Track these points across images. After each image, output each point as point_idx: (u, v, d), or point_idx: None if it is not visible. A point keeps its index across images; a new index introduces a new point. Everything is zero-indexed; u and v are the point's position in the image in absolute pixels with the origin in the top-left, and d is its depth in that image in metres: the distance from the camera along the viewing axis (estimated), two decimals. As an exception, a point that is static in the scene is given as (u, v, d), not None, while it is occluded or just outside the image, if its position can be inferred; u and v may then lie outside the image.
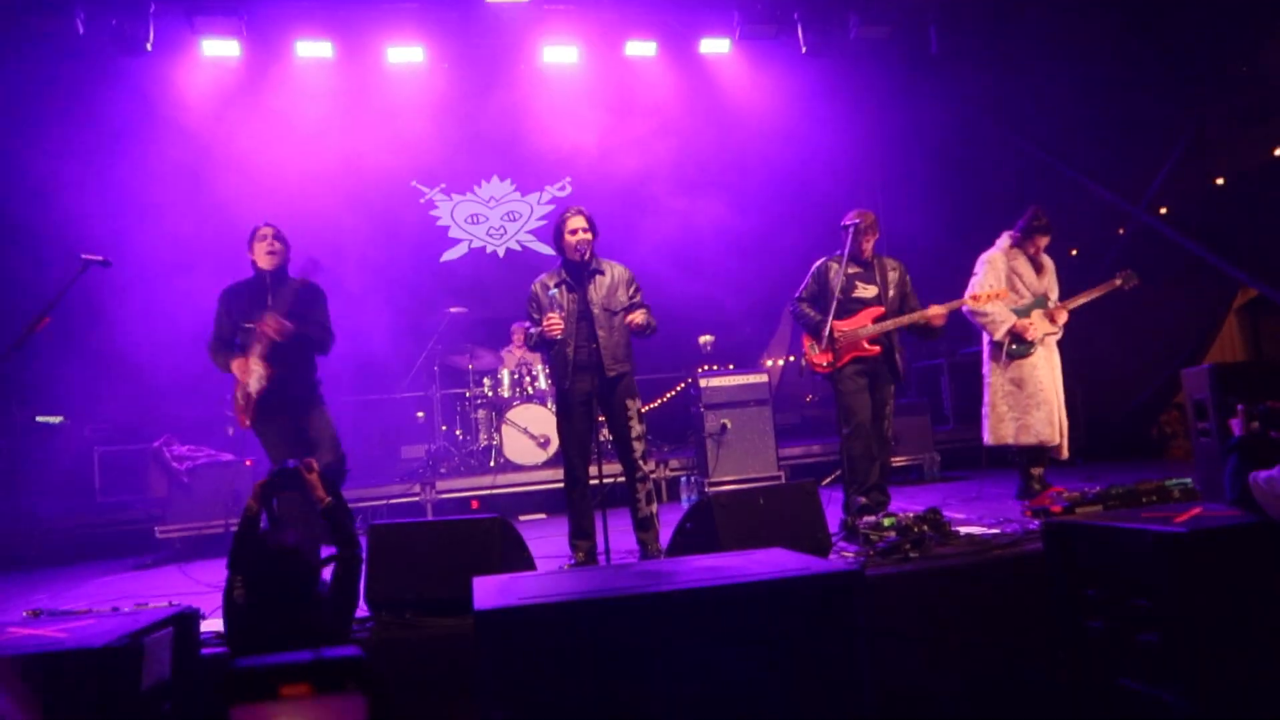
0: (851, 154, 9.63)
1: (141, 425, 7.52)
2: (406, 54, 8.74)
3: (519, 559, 3.80)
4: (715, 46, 8.98)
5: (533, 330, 4.59)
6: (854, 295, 5.09)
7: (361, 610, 3.89)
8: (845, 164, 9.62)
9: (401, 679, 3.48)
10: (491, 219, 9.76)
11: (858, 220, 5.10)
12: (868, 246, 5.14)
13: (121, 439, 7.63)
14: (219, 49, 8.31)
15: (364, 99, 9.02)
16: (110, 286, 6.72)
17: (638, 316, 4.47)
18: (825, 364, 5.03)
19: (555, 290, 4.52)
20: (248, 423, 4.58)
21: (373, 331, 8.32)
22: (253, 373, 4.49)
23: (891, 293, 5.12)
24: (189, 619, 3.27)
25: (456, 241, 9.69)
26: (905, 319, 5.05)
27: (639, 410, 4.58)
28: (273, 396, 4.48)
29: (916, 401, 7.81)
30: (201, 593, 4.69)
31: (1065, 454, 5.36)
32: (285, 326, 4.40)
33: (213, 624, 3.70)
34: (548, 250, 9.51)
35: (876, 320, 5.04)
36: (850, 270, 5.12)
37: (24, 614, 4.05)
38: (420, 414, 8.85)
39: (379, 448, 8.50)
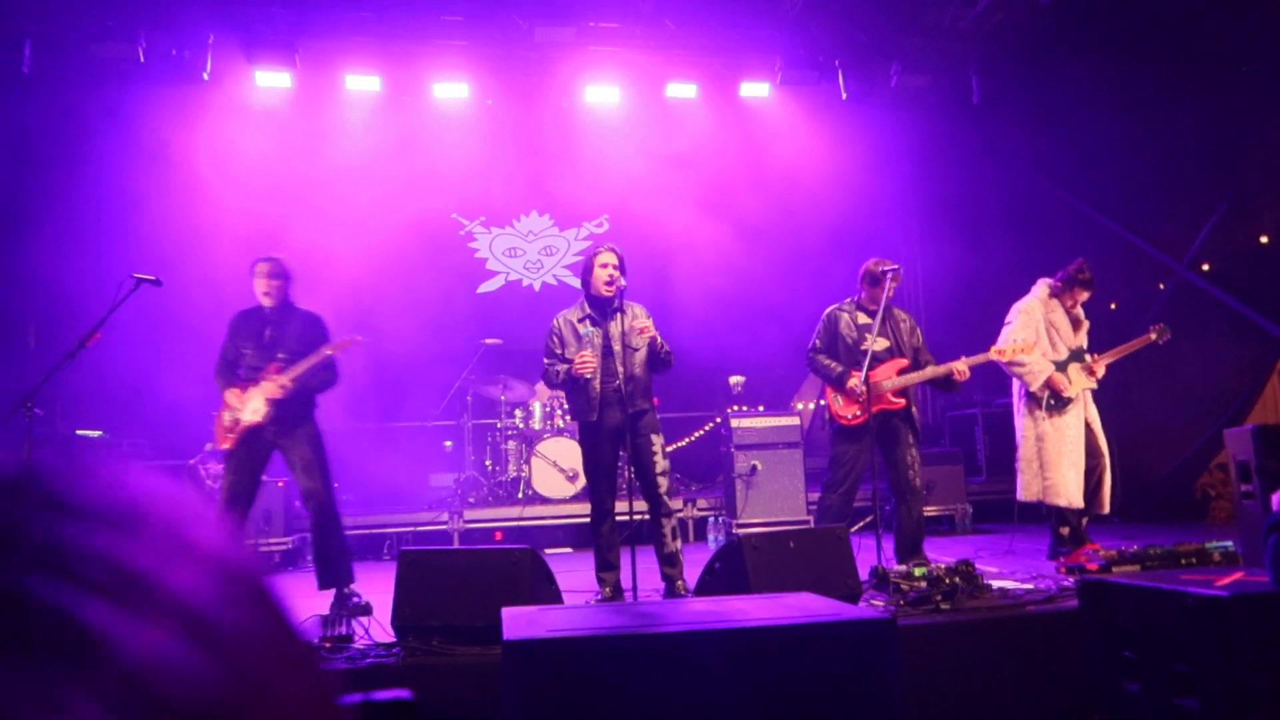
0: (889, 201, 9.66)
1: (179, 442, 7.64)
2: (452, 89, 8.93)
3: (547, 591, 3.80)
4: (756, 90, 9.09)
5: (559, 367, 4.58)
6: (865, 348, 4.94)
7: (388, 635, 3.91)
8: (883, 210, 9.65)
9: (428, 706, 3.47)
10: (529, 253, 9.87)
11: (886, 269, 4.98)
12: (876, 297, 5.02)
13: (158, 455, 7.75)
14: (272, 80, 8.54)
15: (409, 131, 9.21)
16: (157, 305, 6.87)
17: (656, 337, 4.48)
18: (851, 416, 4.95)
19: (584, 328, 4.55)
20: (226, 446, 4.67)
21: (408, 359, 8.42)
22: (248, 405, 4.59)
23: (906, 345, 5.03)
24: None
25: (494, 274, 9.81)
26: (929, 373, 4.95)
27: (663, 446, 4.59)
28: (264, 429, 4.61)
29: (949, 451, 7.74)
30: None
31: (1107, 508, 5.24)
32: (285, 388, 4.53)
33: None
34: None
35: (902, 372, 4.96)
36: (861, 321, 5.07)
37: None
38: (448, 443, 8.90)
39: (408, 474, 8.54)
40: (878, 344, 4.99)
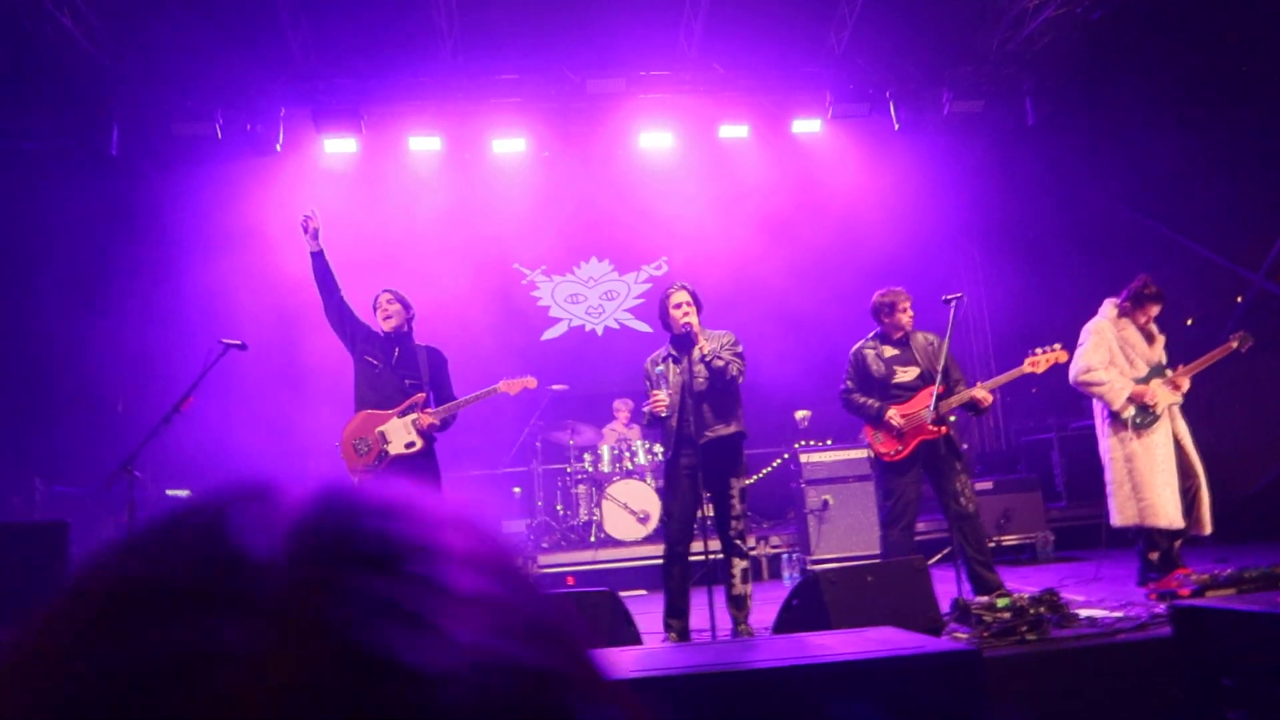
0: (948, 228, 9.61)
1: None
2: (510, 144, 9.22)
3: (626, 633, 3.84)
4: (807, 126, 9.17)
5: (644, 408, 4.69)
6: (895, 381, 4.89)
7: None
8: (941, 238, 9.59)
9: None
10: (590, 298, 10.04)
11: (880, 300, 4.99)
12: (896, 324, 4.98)
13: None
14: (339, 146, 8.93)
15: (470, 186, 9.51)
16: (232, 367, 7.18)
17: (698, 335, 4.48)
18: (892, 452, 4.88)
19: (662, 367, 4.62)
20: (359, 478, 4.70)
21: (475, 408, 8.58)
22: (397, 436, 4.64)
23: (932, 367, 4.89)
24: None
25: (557, 320, 9.99)
26: (955, 400, 4.86)
27: (741, 490, 4.58)
28: (403, 461, 4.61)
29: (1026, 478, 7.56)
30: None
31: (1208, 528, 5.03)
32: (432, 426, 4.65)
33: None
34: (645, 328, 9.71)
35: (939, 399, 4.86)
36: (887, 354, 5.03)
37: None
38: (517, 489, 9.01)
39: (480, 520, 8.67)
40: (906, 374, 4.94)
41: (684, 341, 4.60)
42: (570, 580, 7.17)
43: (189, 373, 5.26)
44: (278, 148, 8.46)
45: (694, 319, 4.52)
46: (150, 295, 8.53)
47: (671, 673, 2.64)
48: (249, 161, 8.60)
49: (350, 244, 8.94)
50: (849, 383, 5.10)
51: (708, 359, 4.44)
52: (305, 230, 4.83)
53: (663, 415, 4.50)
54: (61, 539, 3.54)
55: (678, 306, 4.57)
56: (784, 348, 8.74)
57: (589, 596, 3.78)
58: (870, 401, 4.94)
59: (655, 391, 4.53)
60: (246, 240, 8.67)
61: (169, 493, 8.40)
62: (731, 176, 9.52)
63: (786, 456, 8.02)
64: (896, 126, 8.69)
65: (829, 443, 7.52)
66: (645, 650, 3.65)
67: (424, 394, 4.70)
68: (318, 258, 4.88)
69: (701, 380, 4.49)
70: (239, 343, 4.68)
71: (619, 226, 9.74)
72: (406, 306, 4.87)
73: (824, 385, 9.27)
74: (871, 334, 5.11)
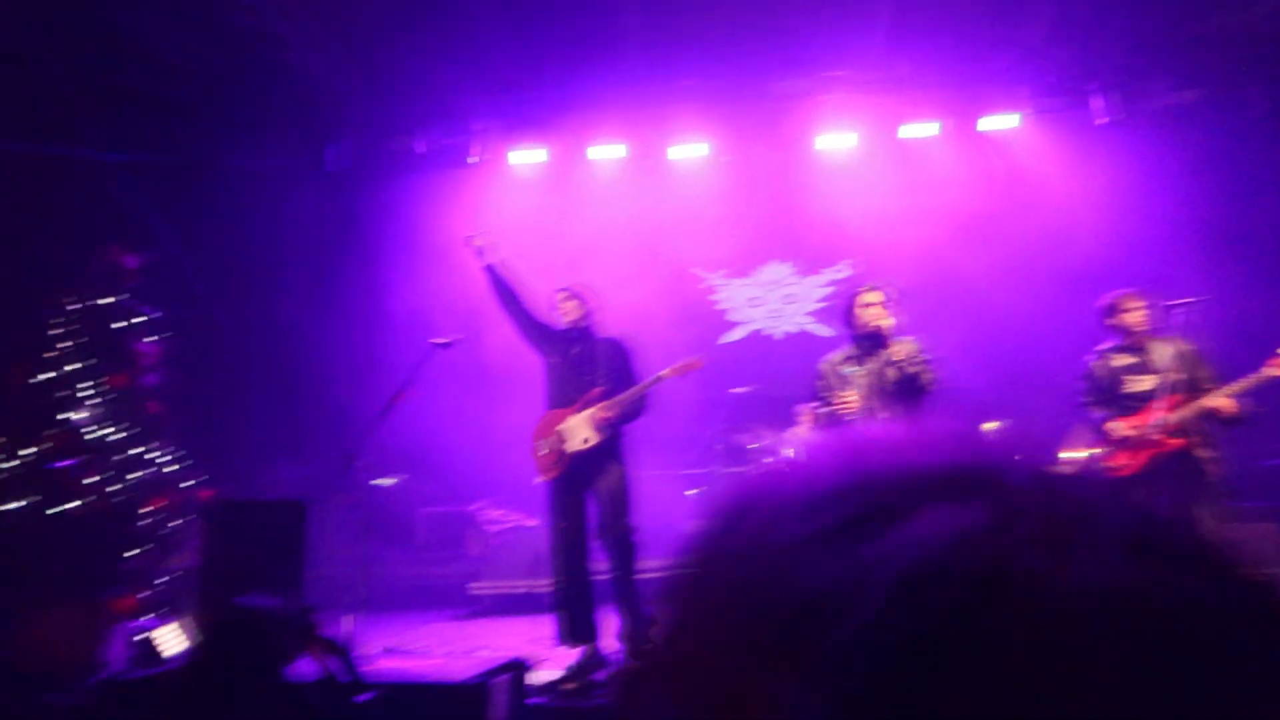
0: (1160, 226, 8.87)
1: (459, 489, 8.40)
2: (691, 149, 9.36)
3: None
4: (999, 123, 8.75)
5: (823, 410, 4.59)
6: (1126, 390, 4.54)
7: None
8: (1154, 237, 8.87)
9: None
10: (771, 302, 10.01)
11: (1105, 303, 4.68)
12: (1124, 328, 4.64)
13: (443, 500, 8.57)
14: (527, 157, 9.38)
15: (651, 192, 9.71)
16: (443, 365, 7.67)
17: (899, 350, 4.31)
18: (1119, 466, 4.54)
19: (846, 368, 4.53)
20: (550, 478, 4.63)
21: (657, 410, 8.75)
22: (577, 434, 4.56)
23: (1173, 377, 4.46)
24: (520, 668, 3.62)
25: (736, 324, 10.03)
26: (1191, 408, 4.42)
27: None
28: (583, 457, 4.56)
29: (1260, 507, 6.81)
30: (518, 647, 5.10)
31: None
32: (606, 419, 4.55)
33: (536, 675, 4.03)
34: (827, 332, 9.56)
35: (1174, 409, 4.46)
36: (1116, 363, 4.67)
37: (382, 649, 4.65)
38: (692, 491, 9.10)
39: (659, 521, 8.82)
40: (1139, 383, 4.60)
41: (871, 343, 4.48)
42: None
43: (398, 370, 5.69)
44: (471, 160, 8.98)
45: (886, 321, 4.41)
46: (366, 299, 9.26)
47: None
48: (447, 174, 9.18)
49: (536, 251, 9.36)
50: (1085, 397, 4.82)
51: (900, 364, 4.32)
52: (474, 248, 4.95)
53: (850, 418, 4.41)
54: (301, 516, 3.92)
55: (867, 306, 4.46)
56: (971, 356, 8.36)
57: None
58: (1098, 413, 4.67)
59: (844, 392, 4.43)
60: (446, 248, 9.25)
61: (374, 482, 9.09)
62: (917, 177, 9.23)
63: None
64: (1101, 120, 8.13)
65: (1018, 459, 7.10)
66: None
67: (600, 388, 4.62)
68: (490, 272, 4.97)
69: (890, 385, 4.37)
70: (446, 341, 5.00)
71: (800, 229, 9.66)
72: (584, 301, 4.82)
73: (1016, 395, 8.81)
74: (1106, 344, 4.81)
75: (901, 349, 4.35)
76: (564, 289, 4.92)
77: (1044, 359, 8.37)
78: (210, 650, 2.43)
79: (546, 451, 4.67)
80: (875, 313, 4.41)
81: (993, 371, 8.31)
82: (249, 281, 8.76)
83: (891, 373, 4.34)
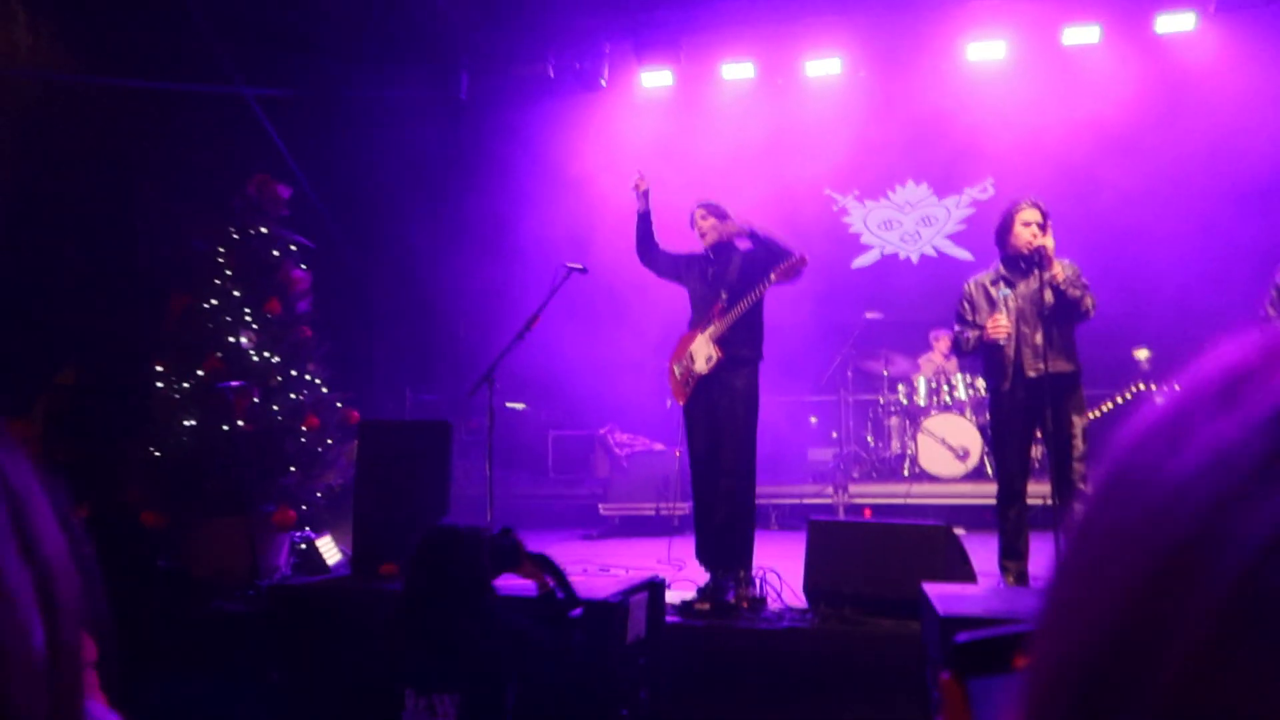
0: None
1: (587, 413, 8.54)
2: (824, 66, 8.93)
3: (962, 571, 3.70)
4: (1176, 23, 7.93)
5: (969, 334, 4.36)
6: None
7: (797, 599, 4.05)
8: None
9: (842, 671, 3.56)
10: (905, 224, 9.59)
11: None
12: None
13: (570, 424, 8.74)
14: (656, 80, 9.18)
15: (782, 112, 9.37)
16: (570, 292, 7.75)
17: (1058, 275, 4.03)
18: None
19: (998, 291, 4.29)
20: (683, 401, 4.60)
21: (786, 335, 8.60)
22: (701, 353, 4.48)
23: None
24: (658, 587, 3.66)
25: (868, 248, 9.67)
26: None
27: (1084, 428, 4.19)
28: (710, 380, 4.46)
29: None
30: (649, 567, 5.19)
31: None
32: (723, 334, 4.40)
33: (674, 594, 4.08)
34: (966, 255, 9.10)
35: None
36: None
37: (519, 567, 4.82)
38: (814, 418, 8.95)
39: (787, 446, 8.75)
40: None
41: (1024, 264, 4.22)
42: (867, 513, 7.04)
43: (528, 297, 5.74)
44: (602, 83, 8.86)
45: (1047, 241, 4.13)
46: (494, 228, 9.40)
47: (1017, 613, 2.51)
48: (577, 98, 9.10)
49: (667, 175, 9.22)
50: (1270, 310, 4.42)
51: (1061, 286, 4.05)
52: (636, 191, 4.83)
53: (1002, 342, 4.18)
54: (447, 436, 4.06)
55: (1027, 225, 4.17)
56: (1124, 279, 7.77)
57: (924, 530, 3.68)
58: None
59: (996, 315, 4.20)
60: (577, 174, 9.24)
61: (508, 405, 9.35)
62: (1075, 87, 8.52)
63: (1129, 396, 7.23)
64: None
65: (1176, 387, 6.63)
66: (988, 589, 3.51)
67: (719, 302, 4.46)
68: (644, 219, 4.88)
69: (1046, 310, 4.11)
70: (581, 266, 5.00)
71: (940, 147, 9.14)
72: (723, 217, 4.62)
73: (1172, 321, 8.18)
74: None
75: (1062, 271, 4.08)
76: (702, 205, 4.71)
77: (1210, 280, 7.73)
78: (422, 569, 2.53)
79: (679, 374, 4.64)
80: (1035, 231, 4.14)
81: (1139, 296, 7.75)
82: (380, 212, 9.02)
83: (1049, 296, 4.08)
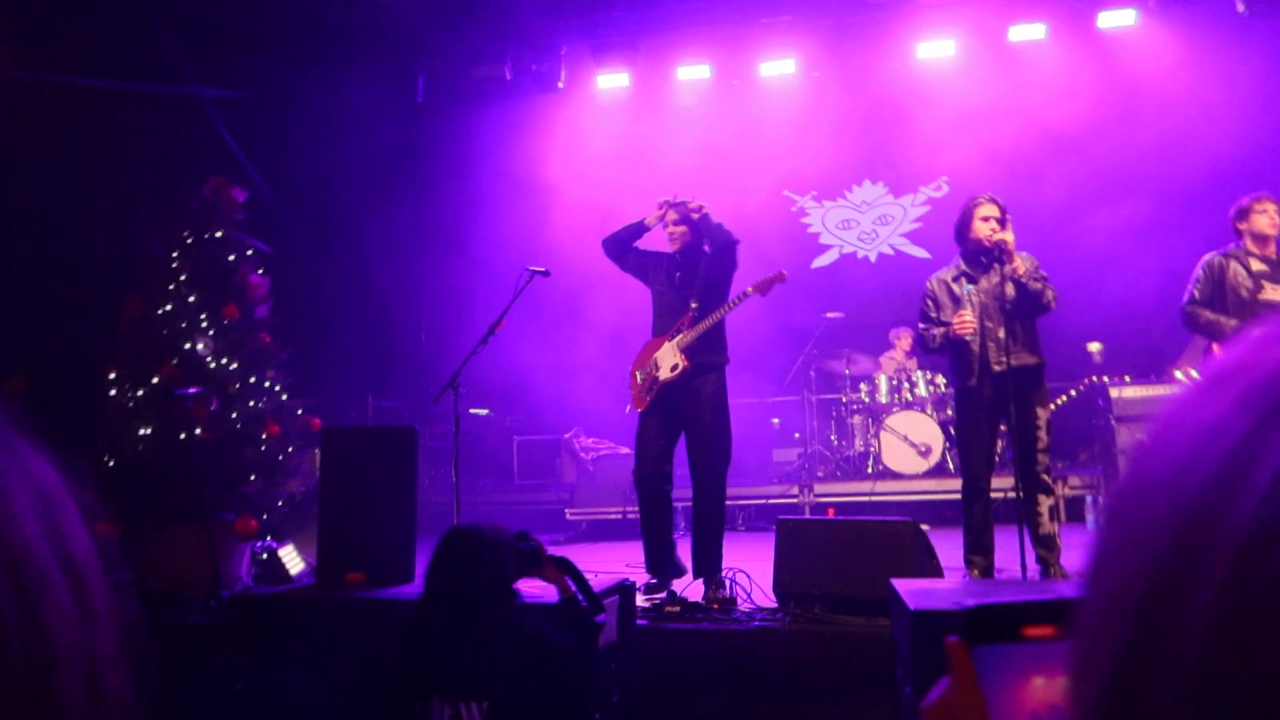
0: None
1: (552, 418, 8.50)
2: (779, 66, 9.00)
3: (930, 566, 3.74)
4: (1118, 19, 8.13)
5: (934, 331, 4.39)
6: (1260, 297, 4.29)
7: (767, 599, 4.07)
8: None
9: (813, 672, 3.58)
10: (863, 223, 9.70)
11: (1240, 206, 4.43)
12: (1257, 233, 4.40)
13: (535, 429, 8.69)
14: (613, 81, 9.18)
15: (738, 113, 9.43)
16: (532, 296, 7.70)
17: (1019, 266, 4.08)
18: None
19: (960, 287, 4.33)
20: (641, 409, 4.54)
21: (748, 337, 8.64)
22: (666, 360, 4.44)
23: None
24: (629, 590, 3.65)
25: (827, 248, 9.76)
26: None
27: (1048, 421, 4.27)
28: (676, 386, 4.43)
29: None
30: (617, 571, 5.17)
31: None
32: (693, 344, 4.38)
33: (643, 598, 4.07)
34: (922, 254, 9.24)
35: None
36: (1255, 268, 4.36)
37: (487, 572, 4.78)
38: (776, 420, 8.99)
39: (751, 449, 8.79)
40: (1276, 292, 4.32)
41: (985, 259, 4.27)
42: (831, 513, 7.10)
43: (489, 302, 5.68)
44: (560, 84, 8.83)
45: (1008, 235, 4.18)
46: (453, 231, 9.32)
47: (989, 604, 2.54)
48: (535, 100, 9.06)
49: (625, 176, 9.23)
50: (1195, 293, 4.55)
51: (1023, 280, 4.11)
52: (663, 210, 4.66)
53: (967, 338, 4.23)
54: (412, 441, 4.00)
55: (986, 220, 4.23)
56: (1076, 274, 7.93)
57: (892, 525, 3.72)
58: (1225, 319, 4.38)
59: (961, 312, 4.24)
60: (535, 176, 9.20)
61: (471, 411, 9.27)
62: (1023, 85, 8.70)
63: (1076, 393, 7.39)
64: (1241, 8, 7.45)
65: (1127, 379, 6.80)
66: (957, 584, 3.55)
67: (689, 313, 4.45)
68: (640, 229, 4.81)
69: (1009, 304, 4.17)
70: (543, 269, 4.96)
71: (895, 147, 9.27)
72: (689, 225, 4.56)
73: (1121, 316, 8.39)
74: (1233, 245, 4.53)
75: (1022, 264, 4.15)
76: (673, 206, 4.65)
77: (1154, 274, 7.93)
78: (445, 572, 2.47)
79: (641, 380, 4.59)
80: (994, 226, 4.20)
81: (1090, 290, 7.91)
82: (338, 217, 8.89)
83: (1010, 290, 4.14)
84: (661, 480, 4.49)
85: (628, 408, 4.79)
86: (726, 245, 4.54)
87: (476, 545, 2.47)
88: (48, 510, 0.35)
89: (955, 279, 4.36)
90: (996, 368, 4.17)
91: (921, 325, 4.49)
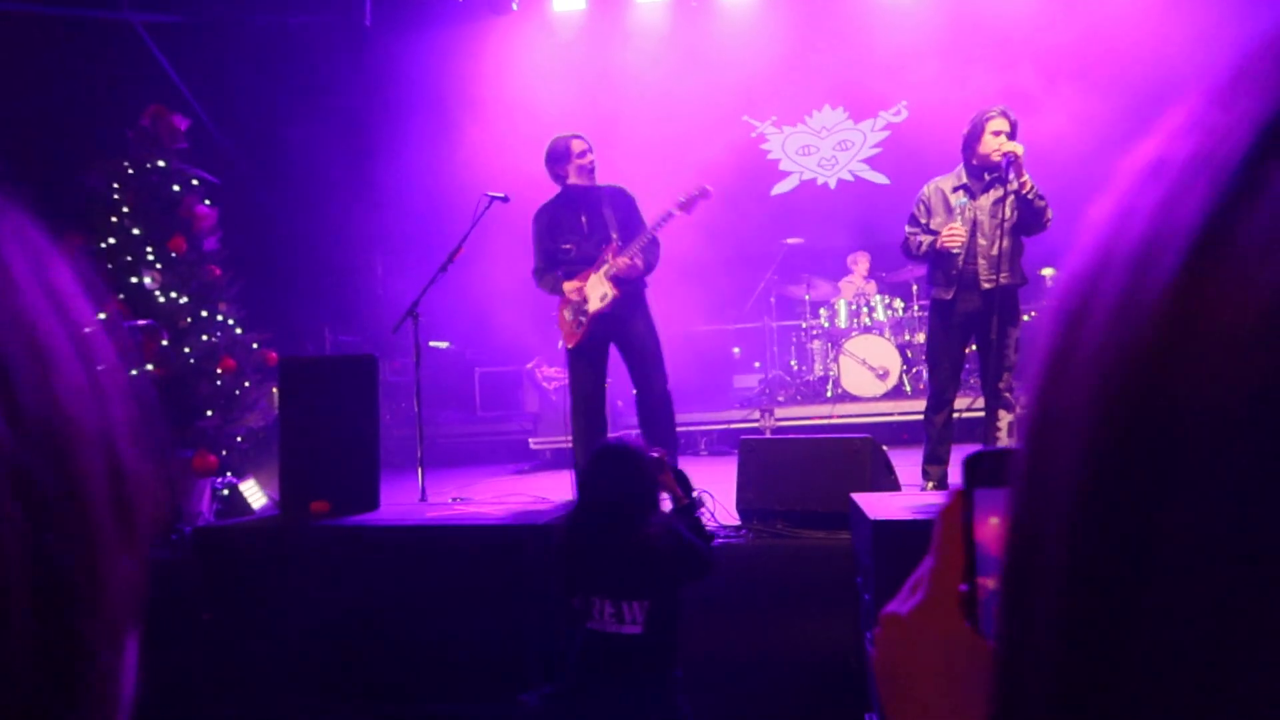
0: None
1: (513, 349, 8.46)
2: (739, -12, 8.83)
3: (887, 480, 3.83)
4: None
5: (921, 238, 4.27)
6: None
7: (731, 518, 4.14)
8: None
9: (778, 585, 3.67)
10: (823, 149, 9.64)
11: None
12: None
13: (496, 360, 8.65)
14: (568, 3, 8.92)
15: (697, 39, 9.25)
16: (489, 223, 7.58)
17: (1027, 183, 4.04)
18: None
19: (957, 199, 4.26)
20: (573, 344, 4.54)
21: (705, 264, 8.63)
22: (595, 292, 4.42)
23: None
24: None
25: (787, 174, 9.71)
26: None
27: (1018, 340, 4.30)
28: (606, 317, 4.44)
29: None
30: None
31: None
32: (634, 267, 4.35)
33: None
34: (881, 179, 9.23)
35: None
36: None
37: (450, 499, 4.79)
38: (737, 349, 9.05)
39: (712, 375, 8.85)
40: None
41: (989, 176, 4.20)
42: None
43: (445, 232, 5.56)
44: (514, 6, 8.57)
45: (1018, 148, 4.08)
46: (408, 159, 9.09)
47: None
48: (487, 23, 8.79)
49: (582, 102, 9.04)
50: (910, 227, 4.57)
51: (1029, 195, 4.04)
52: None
53: (955, 251, 4.19)
54: (373, 369, 3.96)
55: (997, 134, 4.10)
56: (1053, 200, 8.01)
57: (850, 442, 3.78)
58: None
59: (952, 224, 4.19)
60: (490, 99, 8.97)
61: (431, 344, 9.19)
62: (988, 6, 8.61)
63: (1036, 313, 7.52)
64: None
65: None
66: (913, 495, 3.63)
67: (612, 243, 4.44)
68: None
69: (1009, 221, 4.13)
70: (502, 195, 4.88)
71: (854, 71, 9.16)
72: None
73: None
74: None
75: (1028, 181, 4.10)
76: (580, 137, 4.60)
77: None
78: (603, 482, 2.65)
79: (570, 317, 4.56)
80: (1004, 140, 4.13)
81: (1062, 211, 7.97)
82: (286, 145, 8.61)
83: (1009, 210, 4.10)
84: (598, 413, 4.59)
85: (560, 343, 4.77)
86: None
87: (632, 458, 2.66)
88: (49, 284, 0.33)
89: (955, 189, 4.28)
90: (986, 284, 4.14)
91: (908, 228, 4.39)
